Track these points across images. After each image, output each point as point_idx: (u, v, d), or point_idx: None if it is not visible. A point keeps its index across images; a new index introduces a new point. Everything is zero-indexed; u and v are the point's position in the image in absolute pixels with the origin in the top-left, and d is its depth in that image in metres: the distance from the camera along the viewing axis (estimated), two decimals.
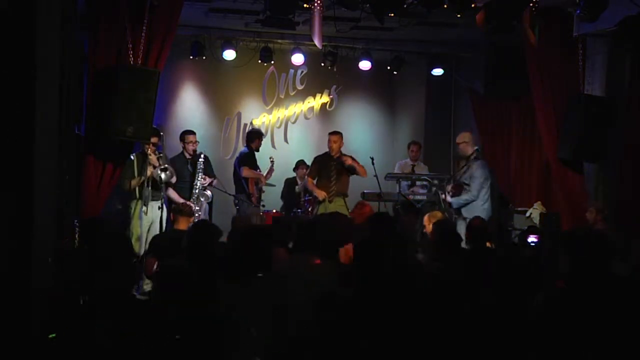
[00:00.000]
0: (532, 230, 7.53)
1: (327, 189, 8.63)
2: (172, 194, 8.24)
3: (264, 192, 9.41)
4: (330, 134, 8.95)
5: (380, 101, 11.42)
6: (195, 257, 4.32)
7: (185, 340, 3.47)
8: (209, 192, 8.50)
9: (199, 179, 8.40)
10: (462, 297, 3.88)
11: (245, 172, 9.07)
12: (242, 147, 10.16)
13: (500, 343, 3.55)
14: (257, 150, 9.41)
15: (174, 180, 8.06)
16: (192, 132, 8.61)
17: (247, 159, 9.20)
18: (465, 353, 3.52)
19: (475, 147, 9.39)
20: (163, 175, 7.78)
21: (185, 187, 8.39)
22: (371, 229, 5.41)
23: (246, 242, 4.15)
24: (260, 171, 9.36)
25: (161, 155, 7.96)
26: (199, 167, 8.42)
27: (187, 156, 8.47)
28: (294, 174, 10.09)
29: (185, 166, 8.44)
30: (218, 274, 4.15)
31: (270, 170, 9.56)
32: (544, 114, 8.04)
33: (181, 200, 8.22)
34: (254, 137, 9.43)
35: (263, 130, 10.83)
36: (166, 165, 7.91)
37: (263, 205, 9.39)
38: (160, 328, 3.59)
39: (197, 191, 8.38)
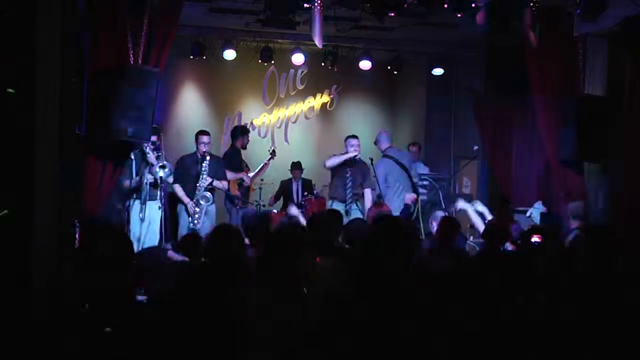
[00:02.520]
0: (535, 230, 7.51)
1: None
2: (179, 190, 8.19)
3: (253, 190, 9.34)
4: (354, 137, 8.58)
5: (381, 101, 11.43)
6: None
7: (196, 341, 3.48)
8: (208, 194, 8.46)
9: (202, 179, 8.37)
10: (463, 297, 3.88)
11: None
12: None
13: (500, 343, 3.56)
14: (244, 148, 9.23)
15: (171, 179, 8.01)
16: (206, 133, 8.46)
17: (227, 160, 8.95)
18: (466, 353, 3.52)
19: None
20: (162, 173, 7.76)
21: (191, 185, 8.33)
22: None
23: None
24: (247, 170, 9.24)
25: (159, 154, 7.93)
26: (203, 168, 8.38)
27: (199, 156, 8.41)
28: (289, 175, 10.04)
29: (195, 165, 8.37)
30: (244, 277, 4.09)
31: (265, 166, 9.40)
32: (544, 114, 8.04)
33: (186, 198, 8.19)
34: (237, 134, 9.25)
35: (263, 130, 10.85)
36: (164, 163, 7.89)
37: (263, 205, 9.38)
38: (164, 328, 3.59)
39: (199, 192, 8.35)
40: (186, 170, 8.22)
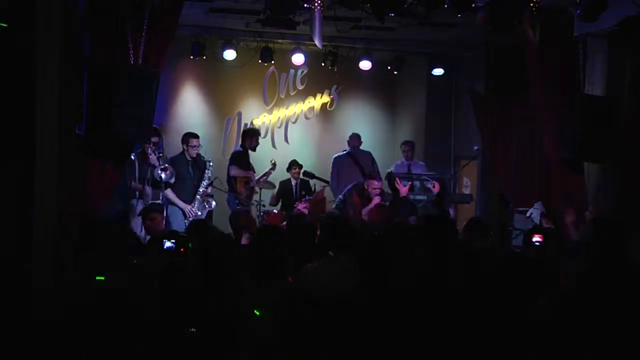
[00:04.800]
0: (536, 230, 7.51)
1: None
2: (170, 194, 8.19)
3: (257, 192, 9.35)
4: None
5: (381, 101, 11.42)
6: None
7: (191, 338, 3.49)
8: (213, 203, 8.47)
9: (204, 184, 8.36)
10: (460, 296, 3.88)
11: (233, 171, 9.02)
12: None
13: (500, 343, 3.56)
14: (253, 150, 9.28)
15: (172, 180, 8.05)
16: (196, 136, 8.52)
17: (237, 158, 9.11)
18: (466, 353, 3.52)
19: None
20: (163, 175, 7.78)
21: (185, 188, 8.31)
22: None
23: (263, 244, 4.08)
24: (253, 171, 9.27)
25: (161, 155, 7.94)
26: (206, 174, 8.38)
27: (188, 158, 8.41)
28: (288, 175, 10.02)
29: (187, 168, 8.37)
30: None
31: (267, 173, 9.45)
32: (544, 113, 8.03)
33: (179, 202, 8.19)
34: (246, 136, 9.34)
35: (263, 130, 10.85)
36: (166, 165, 7.90)
37: (263, 205, 9.37)
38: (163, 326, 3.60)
39: (200, 196, 8.34)
40: (177, 172, 8.21)
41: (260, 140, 10.67)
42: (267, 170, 9.45)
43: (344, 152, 9.59)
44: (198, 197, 8.33)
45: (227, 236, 4.82)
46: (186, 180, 8.33)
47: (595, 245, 4.01)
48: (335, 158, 9.60)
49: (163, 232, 6.79)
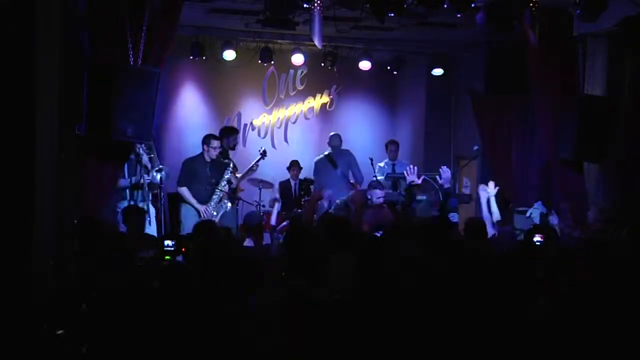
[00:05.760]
0: (536, 229, 7.51)
1: None
2: (186, 193, 8.12)
3: (242, 189, 9.25)
4: None
5: (381, 101, 11.43)
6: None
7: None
8: (229, 204, 8.41)
9: (222, 186, 8.30)
10: (461, 296, 3.88)
11: None
12: (241, 147, 10.14)
13: (500, 343, 3.56)
14: (233, 149, 9.13)
15: (167, 180, 7.96)
16: (218, 138, 8.43)
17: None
18: (466, 353, 3.52)
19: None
20: (159, 176, 7.74)
21: (202, 189, 8.21)
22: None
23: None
24: (235, 171, 9.14)
25: (152, 155, 7.88)
26: (225, 175, 8.32)
27: (207, 159, 8.33)
28: (288, 175, 9.99)
29: (204, 169, 8.27)
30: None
31: (252, 168, 9.13)
32: (544, 113, 8.03)
33: (194, 202, 8.13)
34: (224, 134, 9.08)
35: (263, 131, 10.84)
36: (161, 166, 7.87)
37: (263, 206, 9.36)
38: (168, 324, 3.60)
39: (216, 197, 8.29)
40: (194, 174, 8.15)
41: (260, 140, 10.71)
42: (251, 164, 9.16)
43: (323, 155, 9.53)
44: (215, 197, 8.26)
45: (232, 237, 4.82)
46: (203, 181, 8.23)
47: (595, 245, 4.01)
48: (315, 162, 9.55)
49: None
